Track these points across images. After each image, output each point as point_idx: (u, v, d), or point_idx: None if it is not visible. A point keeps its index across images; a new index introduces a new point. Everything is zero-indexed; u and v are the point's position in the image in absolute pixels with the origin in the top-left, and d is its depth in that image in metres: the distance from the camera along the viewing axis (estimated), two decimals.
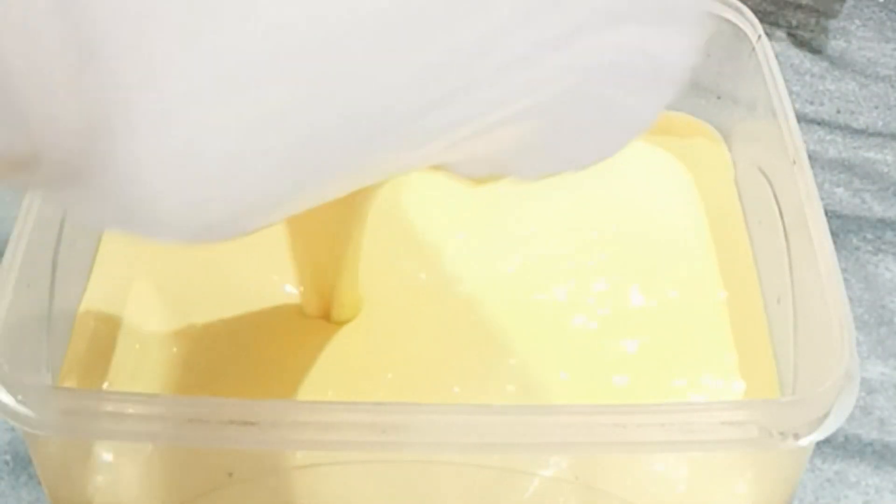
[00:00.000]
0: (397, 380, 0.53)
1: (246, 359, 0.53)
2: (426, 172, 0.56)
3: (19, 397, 0.45)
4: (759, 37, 0.59)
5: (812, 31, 0.76)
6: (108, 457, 0.49)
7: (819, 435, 0.44)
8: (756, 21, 0.60)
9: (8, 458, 0.55)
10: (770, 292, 0.55)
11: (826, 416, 0.44)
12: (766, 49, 0.59)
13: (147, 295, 0.56)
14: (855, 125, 0.70)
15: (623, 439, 0.44)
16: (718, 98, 0.63)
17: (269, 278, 0.56)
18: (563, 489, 0.49)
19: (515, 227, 0.59)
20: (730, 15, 0.60)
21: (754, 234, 0.58)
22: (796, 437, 0.44)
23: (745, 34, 0.60)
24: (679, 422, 0.44)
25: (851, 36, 0.75)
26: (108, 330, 0.54)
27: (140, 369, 0.53)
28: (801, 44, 0.75)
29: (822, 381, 0.45)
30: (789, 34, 0.75)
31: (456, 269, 0.57)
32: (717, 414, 0.44)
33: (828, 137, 0.69)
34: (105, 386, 0.52)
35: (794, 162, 0.53)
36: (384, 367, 0.53)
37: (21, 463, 0.54)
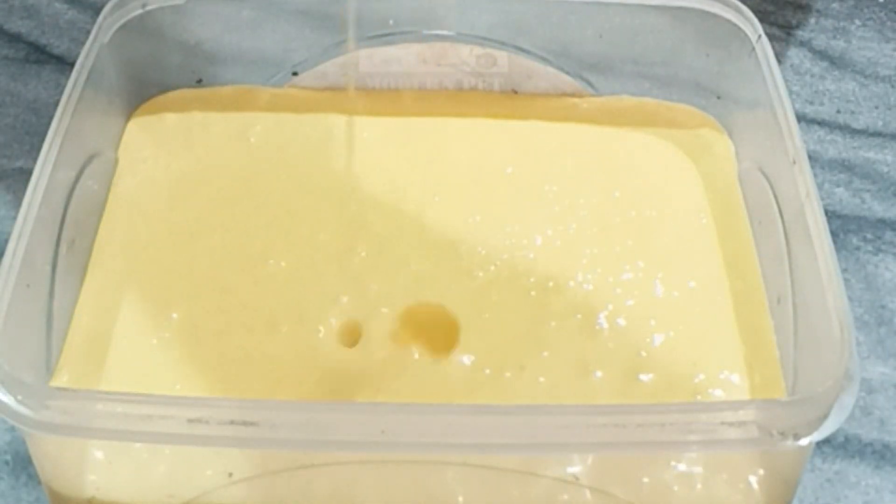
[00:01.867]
0: (422, 369, 0.53)
1: (245, 358, 0.53)
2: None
3: (19, 397, 0.45)
4: (759, 37, 0.59)
5: (812, 31, 0.76)
6: (107, 456, 0.49)
7: (819, 435, 0.44)
8: (756, 21, 0.60)
9: (8, 458, 0.55)
10: (770, 292, 0.55)
11: (826, 416, 0.44)
12: (766, 49, 0.59)
13: (144, 293, 0.56)
14: (855, 125, 0.70)
15: (623, 440, 0.44)
16: (718, 98, 0.63)
17: (268, 278, 0.56)
18: (564, 490, 0.49)
19: (532, 210, 0.60)
20: (730, 15, 0.60)
21: (755, 234, 0.58)
22: (796, 437, 0.44)
23: (745, 34, 0.60)
24: (679, 422, 0.44)
25: (851, 36, 0.75)
26: (104, 329, 0.54)
27: (136, 368, 0.53)
28: (800, 44, 0.75)
29: (822, 381, 0.45)
30: (789, 34, 0.75)
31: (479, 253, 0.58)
32: (717, 414, 0.45)
33: (828, 137, 0.69)
34: (100, 385, 0.52)
35: (794, 162, 0.53)
36: (408, 355, 0.54)
37: (21, 463, 0.54)
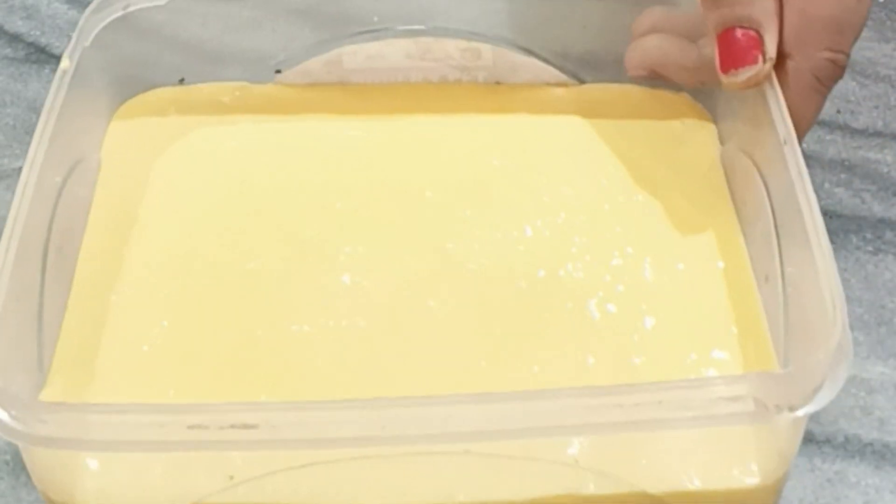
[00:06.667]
0: (418, 364, 0.53)
1: (237, 361, 0.53)
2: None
3: (13, 412, 0.45)
4: None
5: None
6: (104, 464, 0.50)
7: (814, 406, 0.44)
8: None
9: (8, 458, 0.55)
10: (758, 271, 0.56)
11: (820, 387, 0.44)
12: None
13: (133, 300, 0.56)
14: (855, 125, 0.70)
15: (621, 419, 0.45)
16: (702, 83, 0.62)
17: (258, 279, 0.56)
18: (564, 472, 0.49)
19: (521, 202, 0.60)
20: None
21: (740, 215, 0.58)
22: (792, 409, 0.44)
23: None
24: (676, 399, 0.44)
25: None
26: (94, 336, 0.54)
27: (128, 375, 0.53)
28: None
29: (814, 354, 0.45)
30: None
31: (469, 245, 0.58)
32: (714, 389, 0.45)
33: (828, 137, 0.69)
34: (93, 392, 0.52)
35: (785, 142, 0.53)
36: (402, 351, 0.54)
37: (21, 463, 0.54)
